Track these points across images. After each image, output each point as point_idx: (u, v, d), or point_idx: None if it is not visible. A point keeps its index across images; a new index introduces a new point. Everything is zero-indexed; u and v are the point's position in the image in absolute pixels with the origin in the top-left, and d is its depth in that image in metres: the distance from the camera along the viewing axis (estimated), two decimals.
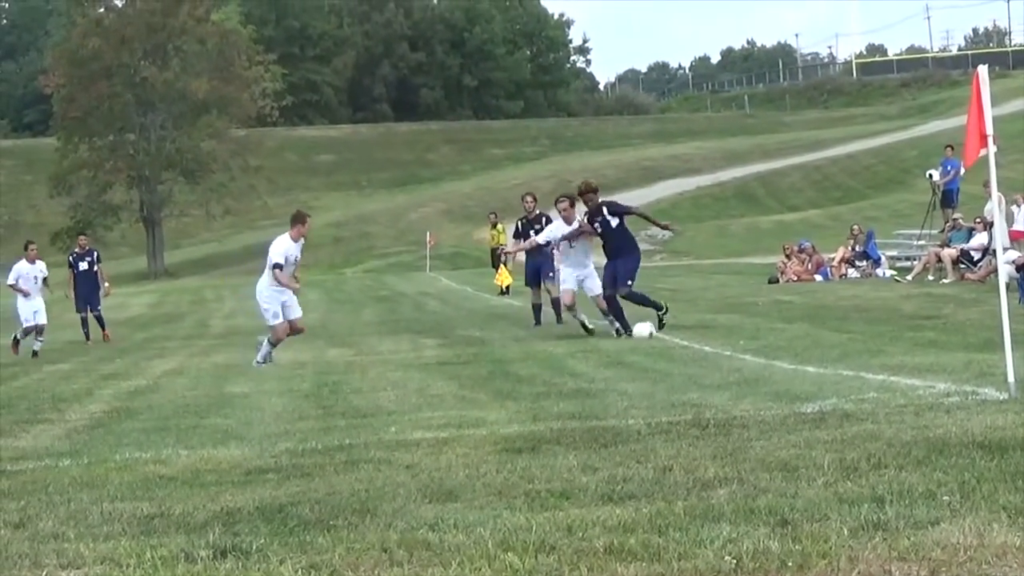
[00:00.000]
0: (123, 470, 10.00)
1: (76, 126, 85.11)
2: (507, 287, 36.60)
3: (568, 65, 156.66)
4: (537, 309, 25.70)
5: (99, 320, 31.02)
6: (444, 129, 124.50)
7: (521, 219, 26.64)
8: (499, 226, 44.44)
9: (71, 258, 31.95)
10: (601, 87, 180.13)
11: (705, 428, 10.31)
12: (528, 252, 25.53)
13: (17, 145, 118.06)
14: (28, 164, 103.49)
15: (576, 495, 7.87)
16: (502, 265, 38.18)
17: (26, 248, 29.49)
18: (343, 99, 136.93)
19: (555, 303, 25.12)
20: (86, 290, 31.13)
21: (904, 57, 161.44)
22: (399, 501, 7.96)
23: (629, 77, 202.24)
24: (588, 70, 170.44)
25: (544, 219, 25.62)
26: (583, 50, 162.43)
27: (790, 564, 5.97)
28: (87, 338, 30.52)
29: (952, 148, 35.87)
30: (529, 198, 26.59)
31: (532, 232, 25.05)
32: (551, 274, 24.98)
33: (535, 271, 25.64)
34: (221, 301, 45.55)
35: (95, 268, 31.44)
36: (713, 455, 8.94)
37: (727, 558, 6.10)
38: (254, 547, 6.81)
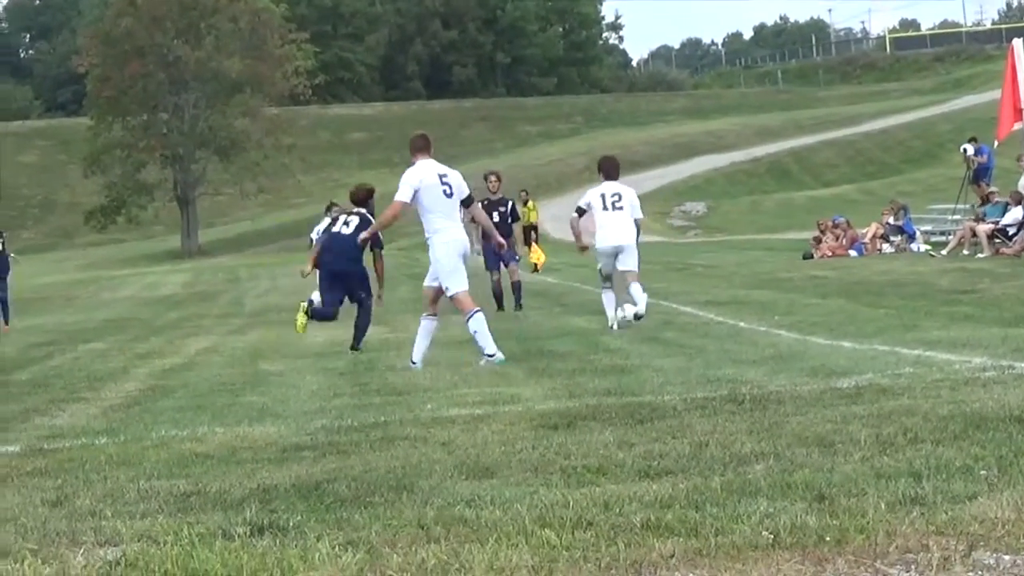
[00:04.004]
0: (159, 448, 10.02)
1: (110, 106, 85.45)
2: (540, 264, 36.57)
3: (600, 42, 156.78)
4: (499, 296, 24.37)
5: (3, 306, 29.32)
6: (477, 106, 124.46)
7: (482, 200, 23.64)
8: (531, 203, 44.24)
9: None
10: (634, 64, 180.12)
11: (741, 403, 10.27)
12: (486, 234, 22.99)
13: (51, 125, 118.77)
14: (62, 144, 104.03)
15: (612, 471, 7.85)
16: (534, 243, 38.30)
17: (328, 209, 25.45)
18: (376, 77, 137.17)
19: (516, 286, 24.40)
20: None
21: (937, 31, 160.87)
22: (435, 478, 7.95)
23: (662, 53, 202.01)
24: (621, 47, 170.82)
25: (509, 203, 24.70)
26: (615, 27, 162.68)
27: (827, 539, 5.95)
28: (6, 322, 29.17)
29: (976, 139, 36.31)
30: (493, 178, 24.91)
31: (495, 215, 23.72)
32: (518, 257, 23.65)
33: (496, 254, 23.74)
34: (255, 280, 45.68)
35: (4, 250, 30.16)
36: (749, 430, 8.91)
37: (764, 533, 6.07)
38: (291, 524, 6.82)
